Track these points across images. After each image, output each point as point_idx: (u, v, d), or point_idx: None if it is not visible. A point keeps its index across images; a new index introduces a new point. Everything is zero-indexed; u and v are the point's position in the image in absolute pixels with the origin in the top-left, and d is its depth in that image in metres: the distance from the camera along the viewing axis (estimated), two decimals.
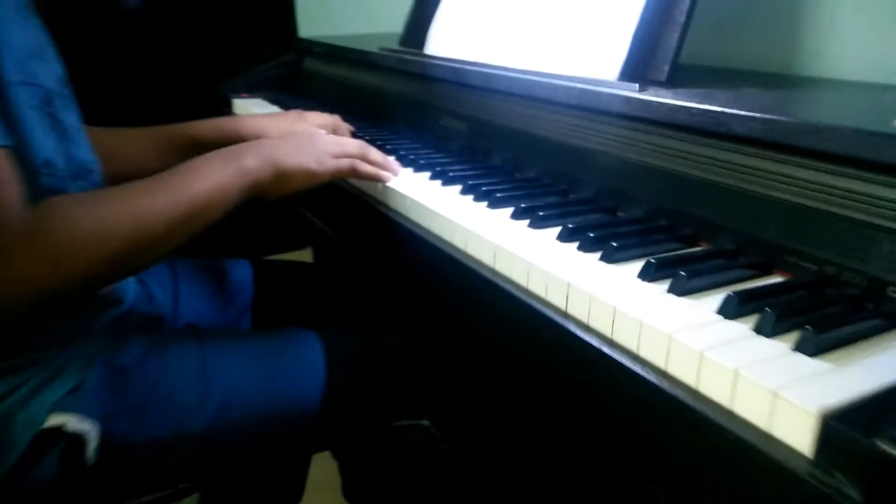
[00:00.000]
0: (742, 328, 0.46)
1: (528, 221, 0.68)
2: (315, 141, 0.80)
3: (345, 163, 0.80)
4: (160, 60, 1.72)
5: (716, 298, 0.50)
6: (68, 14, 1.65)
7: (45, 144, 0.67)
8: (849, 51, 0.80)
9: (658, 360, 0.46)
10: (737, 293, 0.48)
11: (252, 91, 1.50)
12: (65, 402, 0.68)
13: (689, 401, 0.42)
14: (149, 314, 0.86)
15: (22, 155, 0.62)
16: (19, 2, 0.70)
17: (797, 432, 0.37)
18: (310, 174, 0.77)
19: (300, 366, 0.82)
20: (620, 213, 0.71)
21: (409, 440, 0.87)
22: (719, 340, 0.44)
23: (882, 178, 0.49)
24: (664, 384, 0.44)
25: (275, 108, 1.42)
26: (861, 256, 0.49)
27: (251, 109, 1.43)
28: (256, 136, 0.94)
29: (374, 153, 0.84)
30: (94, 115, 0.88)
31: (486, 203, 0.74)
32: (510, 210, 0.71)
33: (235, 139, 0.91)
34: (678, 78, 0.73)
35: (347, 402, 0.83)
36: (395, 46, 1.21)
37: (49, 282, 0.58)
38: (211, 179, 0.69)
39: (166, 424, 0.73)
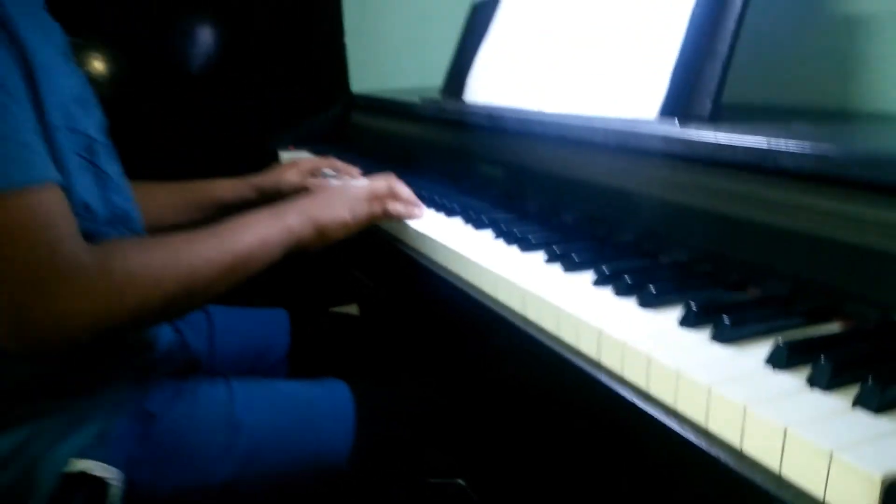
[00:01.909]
0: (793, 381, 0.41)
1: (561, 265, 0.64)
2: (347, 192, 0.84)
3: (376, 207, 0.84)
4: (213, 113, 1.80)
5: (765, 347, 0.45)
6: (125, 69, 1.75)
7: (84, 189, 0.69)
8: None
9: (697, 415, 0.41)
10: (787, 342, 0.43)
11: (300, 144, 1.53)
12: (90, 449, 0.67)
13: (732, 463, 0.37)
14: (182, 362, 0.85)
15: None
16: (63, 49, 0.74)
17: (858, 500, 0.32)
18: (345, 225, 0.81)
19: (330, 417, 0.79)
20: (663, 258, 0.67)
21: (442, 499, 0.82)
22: (766, 394, 0.39)
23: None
24: (703, 442, 0.39)
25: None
26: None
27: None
28: (256, 188, 1.07)
29: (403, 189, 0.88)
30: (146, 165, 0.92)
31: (517, 247, 0.71)
32: (543, 255, 0.67)
33: (242, 195, 1.05)
34: (722, 114, 0.69)
35: (378, 457, 0.79)
36: (436, 97, 1.22)
37: (103, 316, 0.60)
38: (257, 234, 0.74)
39: (189, 474, 0.71)
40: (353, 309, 1.79)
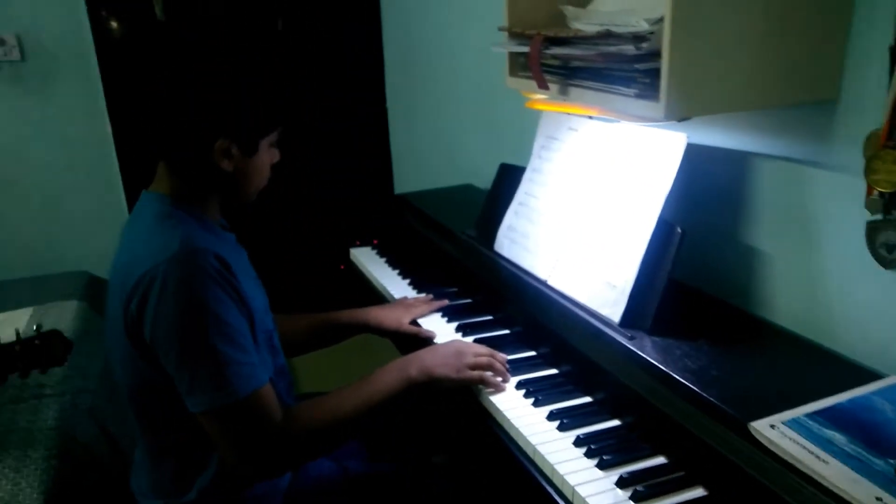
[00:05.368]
0: None
1: (557, 424, 1.08)
2: (460, 356, 1.17)
3: (476, 374, 1.16)
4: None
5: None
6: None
7: (269, 364, 1.13)
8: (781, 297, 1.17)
9: None
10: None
11: (363, 240, 1.97)
12: None
13: None
14: None
15: None
16: (252, 273, 1.17)
17: None
18: (450, 381, 1.15)
19: None
20: (617, 421, 1.10)
21: None
22: None
23: (735, 433, 0.86)
24: None
25: (381, 260, 1.87)
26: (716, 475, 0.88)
27: (360, 257, 1.91)
28: (377, 323, 1.44)
29: (498, 364, 1.19)
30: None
31: (532, 401, 1.15)
32: (548, 410, 1.11)
33: (362, 323, 1.44)
34: (660, 323, 1.11)
35: None
36: (472, 232, 1.63)
37: (289, 456, 1.06)
38: (386, 386, 1.11)
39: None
40: None
